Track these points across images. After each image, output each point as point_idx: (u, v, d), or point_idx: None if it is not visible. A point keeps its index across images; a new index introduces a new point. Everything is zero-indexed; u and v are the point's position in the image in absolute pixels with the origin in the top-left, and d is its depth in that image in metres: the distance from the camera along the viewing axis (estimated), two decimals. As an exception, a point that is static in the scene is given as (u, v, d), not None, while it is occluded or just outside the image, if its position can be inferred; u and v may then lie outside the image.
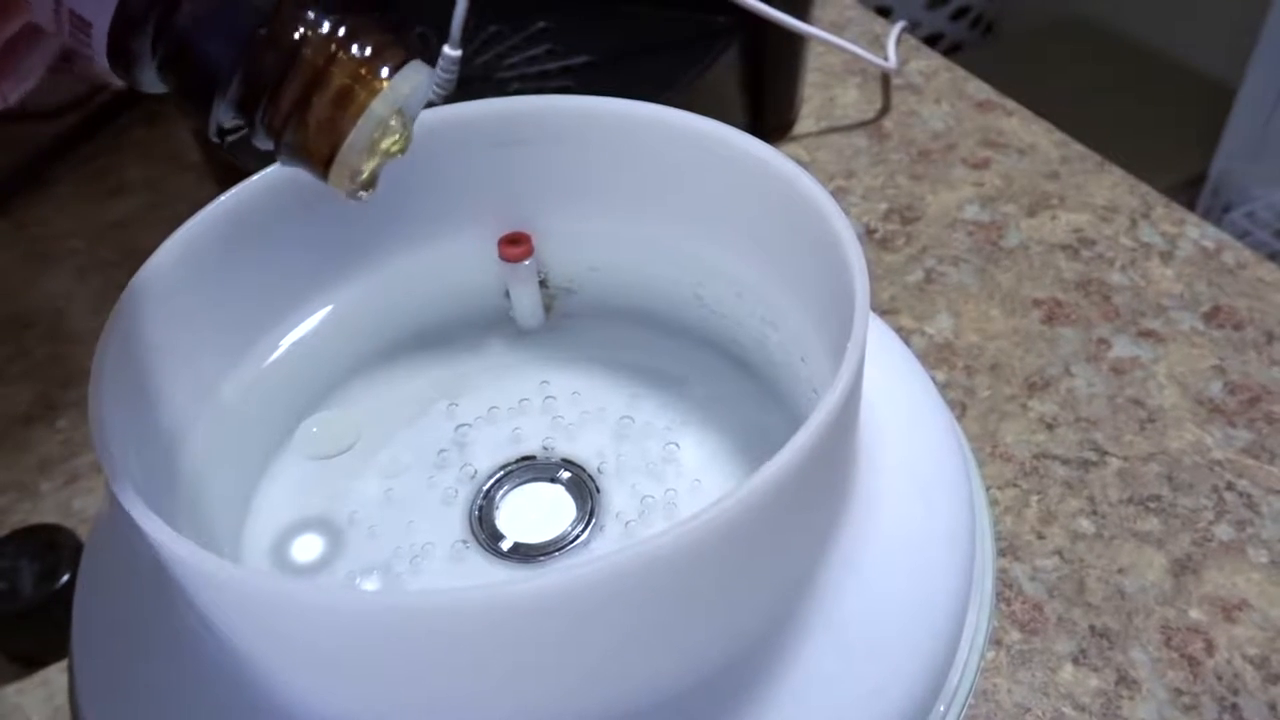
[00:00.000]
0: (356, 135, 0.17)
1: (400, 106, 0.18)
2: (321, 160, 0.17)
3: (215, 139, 0.17)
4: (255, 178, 0.24)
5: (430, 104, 0.47)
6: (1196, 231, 0.44)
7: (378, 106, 0.17)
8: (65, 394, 0.42)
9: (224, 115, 0.17)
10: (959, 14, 1.63)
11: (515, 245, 0.28)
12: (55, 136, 0.52)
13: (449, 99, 0.45)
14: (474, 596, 0.16)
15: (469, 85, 0.45)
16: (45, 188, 0.51)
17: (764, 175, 0.23)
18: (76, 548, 0.33)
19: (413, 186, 0.27)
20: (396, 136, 0.18)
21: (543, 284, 0.29)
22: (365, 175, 0.18)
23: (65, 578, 0.32)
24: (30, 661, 0.33)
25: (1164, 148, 1.44)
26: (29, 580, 0.32)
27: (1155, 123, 1.47)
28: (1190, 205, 1.39)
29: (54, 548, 0.33)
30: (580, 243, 0.28)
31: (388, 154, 0.19)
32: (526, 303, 0.29)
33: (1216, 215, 1.24)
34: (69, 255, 0.48)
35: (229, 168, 0.43)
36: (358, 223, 0.27)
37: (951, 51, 1.65)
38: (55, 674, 0.33)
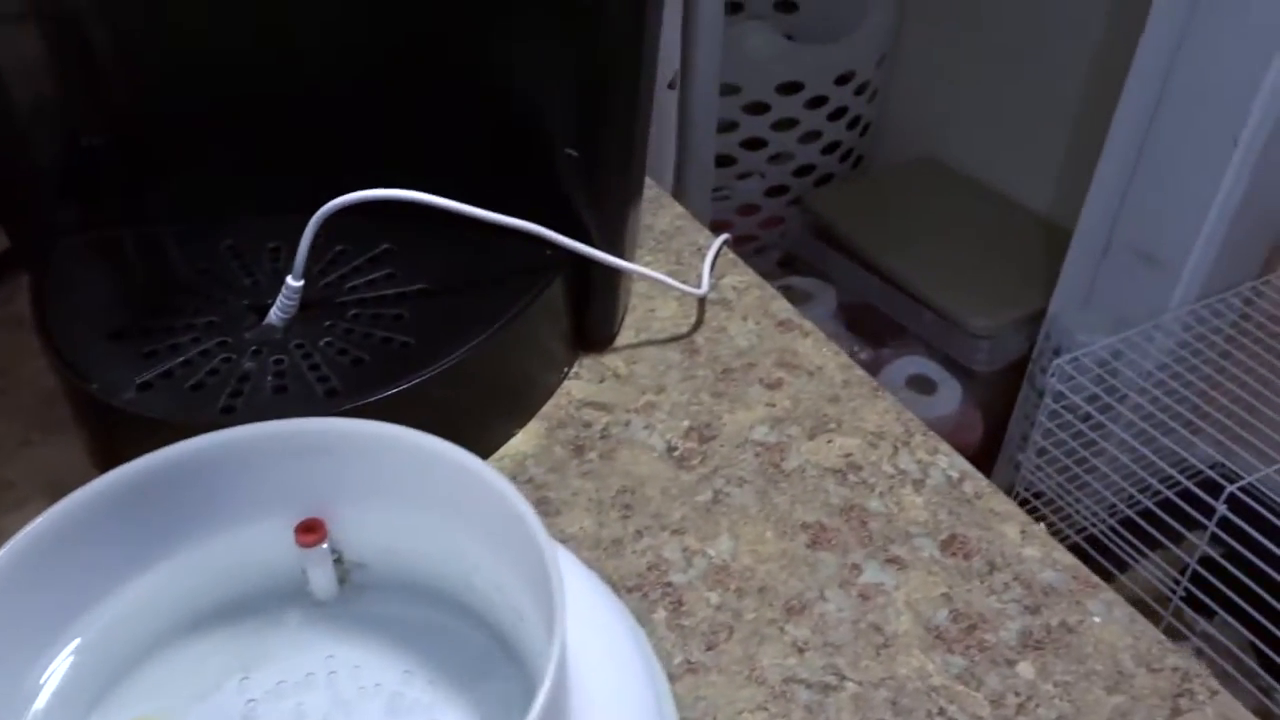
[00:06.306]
0: None
1: None
2: None
3: None
4: (81, 491, 0.29)
5: (258, 350, 0.50)
6: (946, 460, 0.51)
7: None
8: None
9: None
10: (830, 148, 1.74)
11: (310, 532, 0.33)
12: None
13: (289, 324, 0.49)
14: None
15: (309, 309, 0.50)
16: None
17: (485, 486, 0.29)
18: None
19: (220, 487, 0.31)
20: None
21: (338, 560, 0.34)
22: None
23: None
24: None
25: (1009, 283, 1.56)
26: None
27: (1001, 259, 1.59)
28: (1030, 342, 1.50)
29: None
30: (369, 530, 0.33)
31: None
32: (321, 579, 0.33)
33: (1048, 358, 1.34)
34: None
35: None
36: (171, 514, 0.31)
37: (823, 183, 1.77)
38: None
